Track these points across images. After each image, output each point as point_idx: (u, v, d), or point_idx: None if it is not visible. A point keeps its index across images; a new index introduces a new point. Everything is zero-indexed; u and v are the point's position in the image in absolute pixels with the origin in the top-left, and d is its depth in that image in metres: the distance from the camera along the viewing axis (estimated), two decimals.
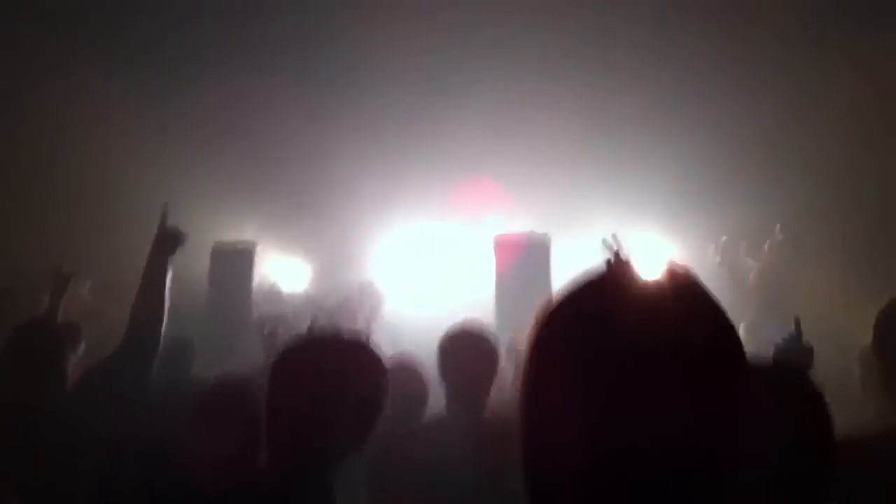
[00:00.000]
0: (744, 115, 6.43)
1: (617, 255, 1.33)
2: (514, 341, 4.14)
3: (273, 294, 7.08)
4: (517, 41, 6.75)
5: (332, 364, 1.66)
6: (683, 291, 0.83)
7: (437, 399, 2.80)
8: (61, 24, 6.32)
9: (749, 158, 6.57)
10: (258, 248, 6.92)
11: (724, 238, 6.40)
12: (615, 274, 0.86)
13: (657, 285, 0.83)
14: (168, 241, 2.78)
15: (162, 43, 6.80)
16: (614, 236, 2.32)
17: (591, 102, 6.82)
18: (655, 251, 7.24)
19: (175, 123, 7.02)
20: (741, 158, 6.58)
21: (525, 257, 5.49)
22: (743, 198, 6.53)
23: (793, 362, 2.51)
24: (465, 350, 2.66)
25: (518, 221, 6.66)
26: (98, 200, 6.77)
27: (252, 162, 7.41)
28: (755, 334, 5.91)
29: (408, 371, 2.88)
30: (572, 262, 6.51)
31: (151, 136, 6.97)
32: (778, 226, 6.32)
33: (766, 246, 6.40)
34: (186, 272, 6.77)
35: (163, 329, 2.68)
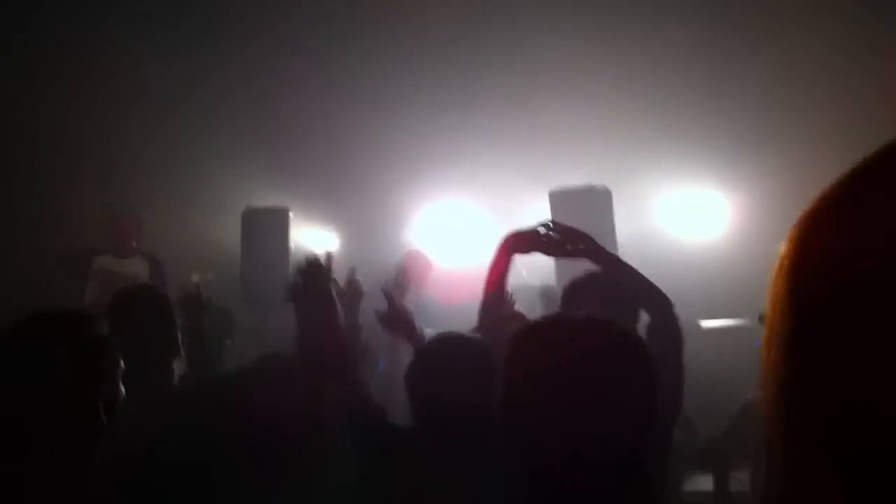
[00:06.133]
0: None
1: None
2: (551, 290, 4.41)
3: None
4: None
5: None
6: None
7: None
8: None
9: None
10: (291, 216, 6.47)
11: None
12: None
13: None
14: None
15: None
16: None
17: (647, 56, 6.39)
18: (712, 209, 6.85)
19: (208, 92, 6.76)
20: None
21: (585, 210, 5.05)
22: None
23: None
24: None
25: (571, 175, 6.17)
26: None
27: (282, 130, 7.06)
28: None
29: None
30: (631, 216, 6.13)
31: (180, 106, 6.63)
32: None
33: None
34: (218, 241, 6.52)
35: None
